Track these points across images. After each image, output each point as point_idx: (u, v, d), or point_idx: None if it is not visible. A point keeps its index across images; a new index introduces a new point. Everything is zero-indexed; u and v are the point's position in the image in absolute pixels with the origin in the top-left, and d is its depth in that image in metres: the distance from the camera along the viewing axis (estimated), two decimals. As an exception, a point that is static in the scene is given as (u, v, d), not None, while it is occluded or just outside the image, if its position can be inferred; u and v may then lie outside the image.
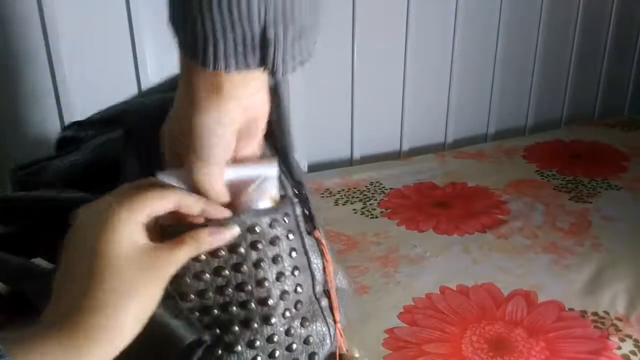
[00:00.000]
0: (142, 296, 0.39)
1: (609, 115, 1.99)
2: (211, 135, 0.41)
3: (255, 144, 0.47)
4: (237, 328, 0.46)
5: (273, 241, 0.47)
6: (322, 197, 1.30)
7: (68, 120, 1.18)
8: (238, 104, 0.41)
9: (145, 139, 0.51)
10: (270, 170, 0.47)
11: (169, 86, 0.60)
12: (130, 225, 0.39)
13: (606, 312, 0.88)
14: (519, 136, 1.80)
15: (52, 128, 1.16)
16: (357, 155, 1.58)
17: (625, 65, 2.01)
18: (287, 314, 0.48)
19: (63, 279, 0.40)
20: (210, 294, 0.46)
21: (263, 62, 0.38)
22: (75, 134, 0.63)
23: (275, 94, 0.51)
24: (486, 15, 1.65)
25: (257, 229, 0.46)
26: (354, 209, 1.24)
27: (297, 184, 0.51)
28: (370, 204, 1.26)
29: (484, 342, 0.81)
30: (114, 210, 0.39)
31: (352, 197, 1.30)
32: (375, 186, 1.36)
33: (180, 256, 0.42)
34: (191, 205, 0.42)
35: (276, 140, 0.50)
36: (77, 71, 1.16)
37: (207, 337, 0.45)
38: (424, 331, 0.84)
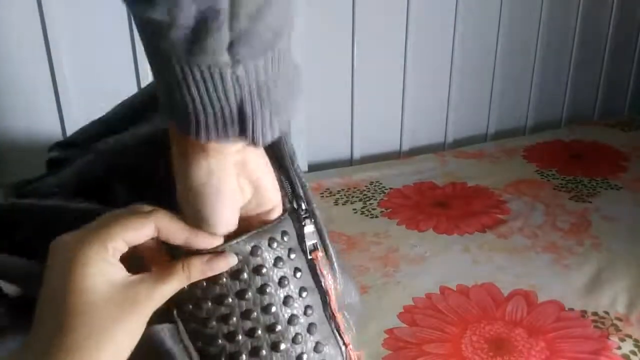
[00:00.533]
0: (119, 335, 0.37)
1: (609, 115, 1.99)
2: (206, 189, 0.40)
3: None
4: (244, 357, 0.44)
5: (276, 263, 0.45)
6: (322, 197, 1.30)
7: (68, 121, 1.18)
8: (225, 158, 0.41)
9: (131, 170, 0.51)
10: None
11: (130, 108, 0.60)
12: (99, 262, 0.37)
13: (606, 312, 0.88)
14: (519, 136, 1.80)
15: (52, 128, 1.16)
16: (357, 155, 1.58)
17: (625, 65, 2.01)
18: (299, 339, 0.46)
19: (39, 315, 0.38)
20: (214, 323, 0.44)
21: (242, 134, 0.39)
22: (61, 155, 0.63)
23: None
24: (486, 15, 1.65)
25: (258, 252, 0.44)
26: (354, 209, 1.24)
27: (297, 198, 0.50)
28: (370, 204, 1.26)
29: (484, 342, 0.81)
30: (80, 248, 0.37)
31: (352, 197, 1.30)
32: (375, 186, 1.36)
33: (166, 289, 0.40)
34: (174, 232, 0.40)
35: (274, 149, 0.49)
36: (77, 71, 1.16)
37: None
38: (424, 331, 0.84)
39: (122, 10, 1.17)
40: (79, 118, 1.18)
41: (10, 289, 0.56)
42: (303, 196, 0.50)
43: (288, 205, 0.49)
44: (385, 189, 1.34)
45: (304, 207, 0.49)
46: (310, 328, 0.47)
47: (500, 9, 1.65)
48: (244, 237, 0.44)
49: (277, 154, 0.50)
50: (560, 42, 1.82)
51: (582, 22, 1.82)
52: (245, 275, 0.44)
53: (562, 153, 1.57)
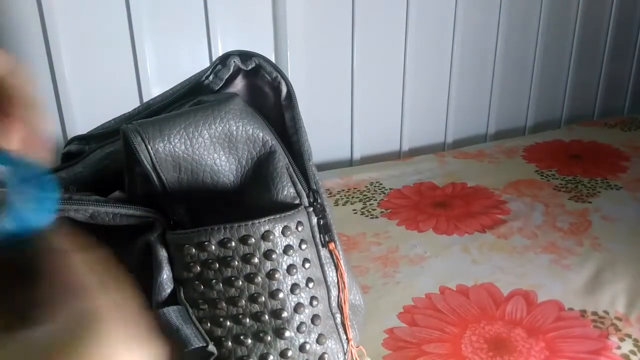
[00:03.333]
0: None
1: (609, 115, 1.99)
2: None
3: None
4: (250, 341, 0.45)
5: (286, 250, 0.46)
6: (322, 197, 1.30)
7: (68, 121, 1.18)
8: None
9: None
10: None
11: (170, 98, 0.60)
12: None
13: (606, 312, 0.88)
14: (519, 136, 1.80)
15: (52, 128, 1.16)
16: (357, 155, 1.58)
17: (625, 65, 2.01)
18: (303, 328, 0.47)
19: None
20: (223, 304, 0.45)
21: None
22: (79, 148, 0.64)
23: (290, 99, 0.52)
24: (486, 16, 1.65)
25: (271, 237, 0.45)
26: (354, 209, 1.24)
27: (313, 192, 0.50)
28: (370, 204, 1.26)
29: (484, 342, 0.81)
30: None
31: (352, 197, 1.30)
32: (375, 186, 1.36)
33: None
34: None
35: (292, 145, 0.50)
36: (77, 71, 1.16)
37: (213, 348, 0.45)
38: (424, 331, 0.84)
39: (123, 10, 1.17)
40: (79, 118, 1.18)
41: None
42: (318, 190, 0.51)
43: (306, 200, 0.50)
44: (385, 190, 1.34)
45: (319, 200, 0.50)
46: (314, 319, 0.48)
47: (500, 8, 1.65)
48: (258, 220, 0.45)
49: (297, 152, 0.51)
50: (559, 42, 1.82)
51: (581, 22, 1.82)
52: (256, 260, 0.45)
53: (562, 153, 1.57)
